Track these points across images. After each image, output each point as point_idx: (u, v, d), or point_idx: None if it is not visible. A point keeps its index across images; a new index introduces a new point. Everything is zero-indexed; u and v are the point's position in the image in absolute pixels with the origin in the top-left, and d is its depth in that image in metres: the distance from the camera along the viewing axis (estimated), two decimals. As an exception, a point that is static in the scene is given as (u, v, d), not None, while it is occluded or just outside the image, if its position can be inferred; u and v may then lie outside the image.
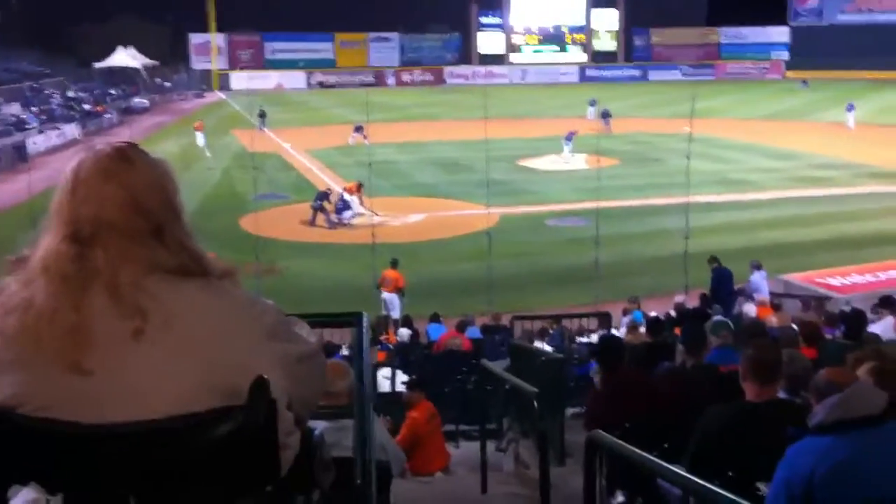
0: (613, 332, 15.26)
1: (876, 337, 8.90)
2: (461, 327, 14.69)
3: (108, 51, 68.39)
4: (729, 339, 8.13)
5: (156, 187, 1.83)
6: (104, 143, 1.87)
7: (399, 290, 18.93)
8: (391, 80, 79.90)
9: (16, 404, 1.70)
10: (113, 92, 62.57)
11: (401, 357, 12.49)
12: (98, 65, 67.82)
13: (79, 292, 1.71)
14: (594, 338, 15.06)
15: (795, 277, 19.03)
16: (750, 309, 14.19)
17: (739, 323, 10.96)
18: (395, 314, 18.08)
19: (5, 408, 1.70)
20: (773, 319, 12.79)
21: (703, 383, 6.13)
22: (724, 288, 17.77)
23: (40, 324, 1.69)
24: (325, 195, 26.68)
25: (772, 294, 16.79)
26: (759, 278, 17.94)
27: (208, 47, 76.95)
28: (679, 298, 16.90)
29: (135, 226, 1.77)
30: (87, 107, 53.72)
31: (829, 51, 78.75)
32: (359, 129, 38.69)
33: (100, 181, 1.78)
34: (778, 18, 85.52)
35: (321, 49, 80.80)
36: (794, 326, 10.77)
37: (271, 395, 1.74)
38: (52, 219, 1.79)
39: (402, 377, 10.57)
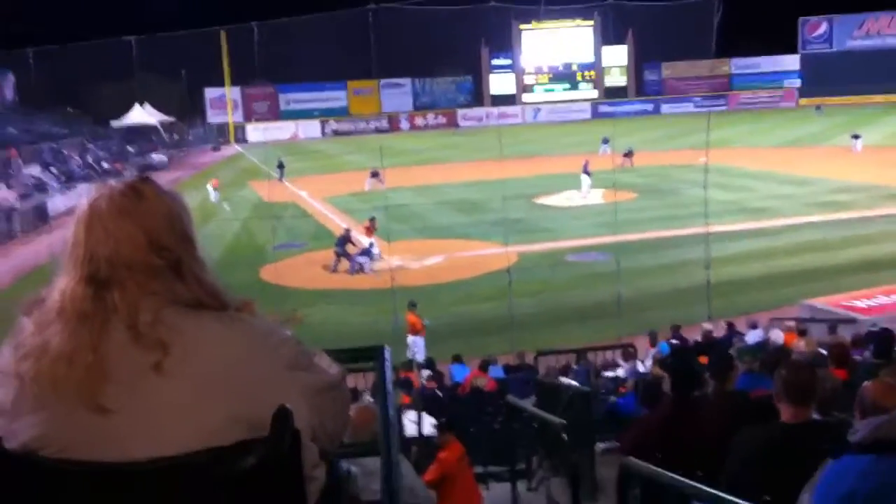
0: (639, 364, 15.16)
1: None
2: (484, 367, 14.54)
3: (125, 108, 69.43)
4: (755, 366, 8.05)
5: (171, 221, 1.80)
6: (117, 180, 1.84)
7: (419, 333, 18.87)
8: (405, 125, 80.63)
9: (38, 447, 1.67)
10: (131, 149, 63.37)
11: (425, 399, 12.37)
12: (115, 123, 68.82)
13: (96, 333, 1.68)
14: (620, 371, 14.93)
15: (820, 302, 18.81)
16: (776, 335, 14.03)
17: (766, 349, 10.84)
18: (420, 357, 17.99)
19: (28, 450, 1.68)
20: (800, 345, 12.62)
21: (734, 410, 6.03)
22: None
23: (57, 366, 1.66)
24: (346, 238, 26.54)
25: (797, 319, 16.55)
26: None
27: (224, 101, 77.87)
28: (707, 326, 16.75)
29: (152, 263, 1.74)
30: (105, 165, 54.39)
31: (841, 77, 78.99)
32: (375, 174, 38.98)
33: (114, 220, 1.74)
34: (788, 47, 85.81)
35: (335, 98, 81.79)
36: (823, 351, 10.64)
37: (295, 426, 1.70)
38: (68, 259, 1.76)
39: (428, 420, 10.45)
